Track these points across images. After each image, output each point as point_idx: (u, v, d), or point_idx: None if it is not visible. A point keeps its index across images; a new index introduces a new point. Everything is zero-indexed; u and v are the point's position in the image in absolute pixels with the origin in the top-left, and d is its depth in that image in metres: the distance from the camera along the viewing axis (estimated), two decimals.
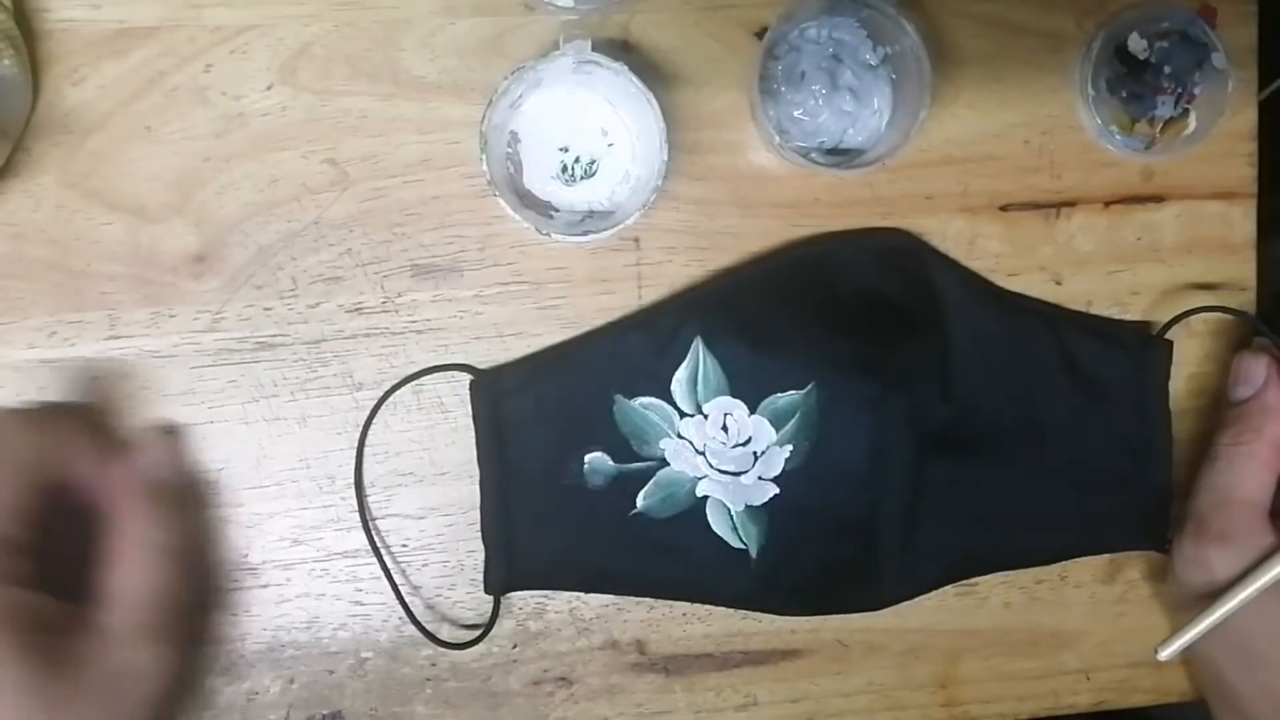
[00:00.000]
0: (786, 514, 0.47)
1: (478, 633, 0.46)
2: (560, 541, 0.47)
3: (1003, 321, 0.48)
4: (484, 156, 0.42)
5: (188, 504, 0.44)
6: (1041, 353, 0.49)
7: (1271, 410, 0.46)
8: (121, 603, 0.40)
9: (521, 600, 0.48)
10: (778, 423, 0.46)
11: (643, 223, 0.45)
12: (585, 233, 0.43)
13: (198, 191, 0.45)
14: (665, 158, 0.43)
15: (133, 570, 0.40)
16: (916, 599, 0.49)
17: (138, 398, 0.45)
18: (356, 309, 0.46)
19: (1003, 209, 0.49)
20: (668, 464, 0.47)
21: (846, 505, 0.47)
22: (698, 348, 0.46)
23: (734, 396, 0.46)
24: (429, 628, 0.46)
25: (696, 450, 0.47)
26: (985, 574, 0.50)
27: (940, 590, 0.49)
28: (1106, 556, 0.50)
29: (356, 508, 0.46)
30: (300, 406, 0.46)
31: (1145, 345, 0.49)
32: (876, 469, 0.47)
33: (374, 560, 0.46)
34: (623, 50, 0.46)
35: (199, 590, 0.45)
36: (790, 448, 0.46)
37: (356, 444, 0.46)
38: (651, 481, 0.47)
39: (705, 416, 0.46)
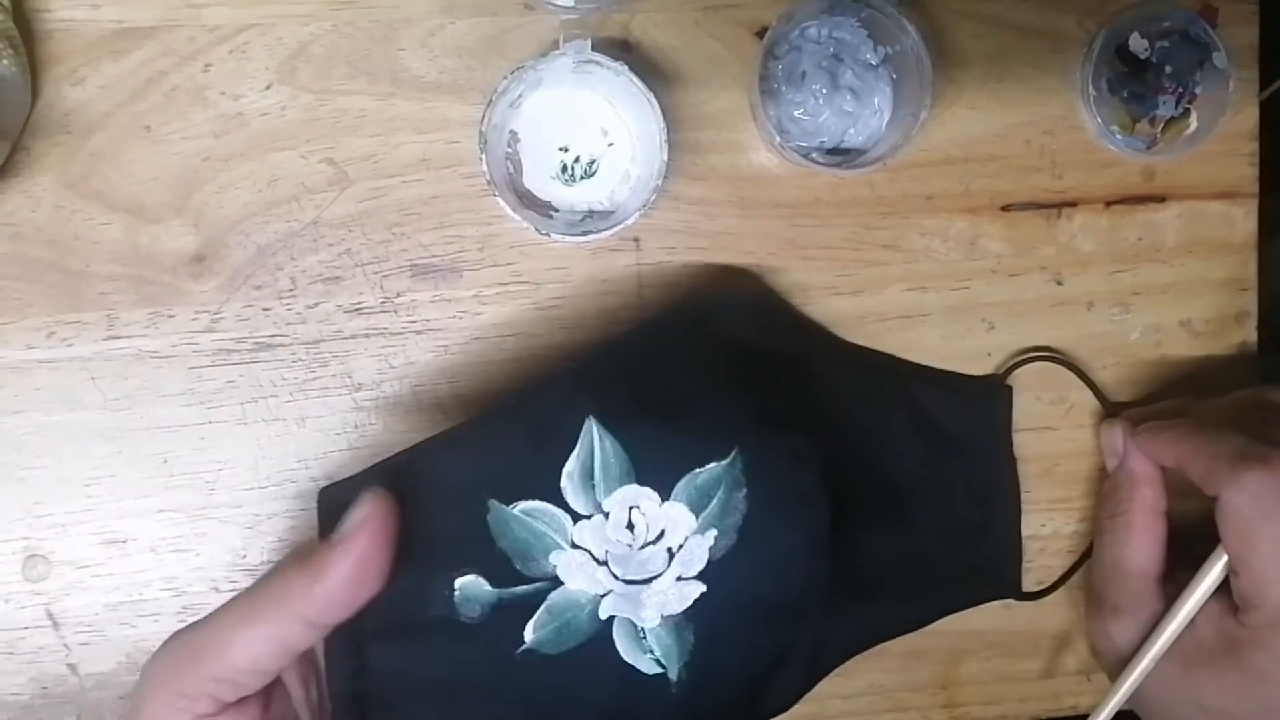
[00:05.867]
0: (714, 613, 0.39)
1: None
2: (430, 691, 0.37)
3: (859, 379, 0.46)
4: (483, 156, 0.42)
5: None
6: (893, 409, 0.47)
7: (1135, 477, 0.46)
8: None
9: None
10: (697, 506, 0.38)
11: (643, 223, 0.45)
12: (585, 233, 0.43)
13: (197, 191, 0.45)
14: (665, 158, 0.43)
15: None
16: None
17: (135, 398, 0.45)
18: (355, 309, 0.46)
19: (1004, 209, 0.49)
20: (561, 583, 0.38)
21: (783, 587, 0.40)
22: (591, 430, 0.37)
23: (641, 484, 0.38)
24: None
25: (597, 561, 0.38)
26: (862, 651, 0.45)
27: None
28: None
29: None
30: (299, 407, 0.45)
31: (987, 392, 0.48)
32: (811, 539, 0.40)
33: None
34: (623, 50, 0.46)
35: None
36: (714, 532, 0.38)
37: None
38: (542, 608, 0.37)
39: (606, 515, 0.38)
